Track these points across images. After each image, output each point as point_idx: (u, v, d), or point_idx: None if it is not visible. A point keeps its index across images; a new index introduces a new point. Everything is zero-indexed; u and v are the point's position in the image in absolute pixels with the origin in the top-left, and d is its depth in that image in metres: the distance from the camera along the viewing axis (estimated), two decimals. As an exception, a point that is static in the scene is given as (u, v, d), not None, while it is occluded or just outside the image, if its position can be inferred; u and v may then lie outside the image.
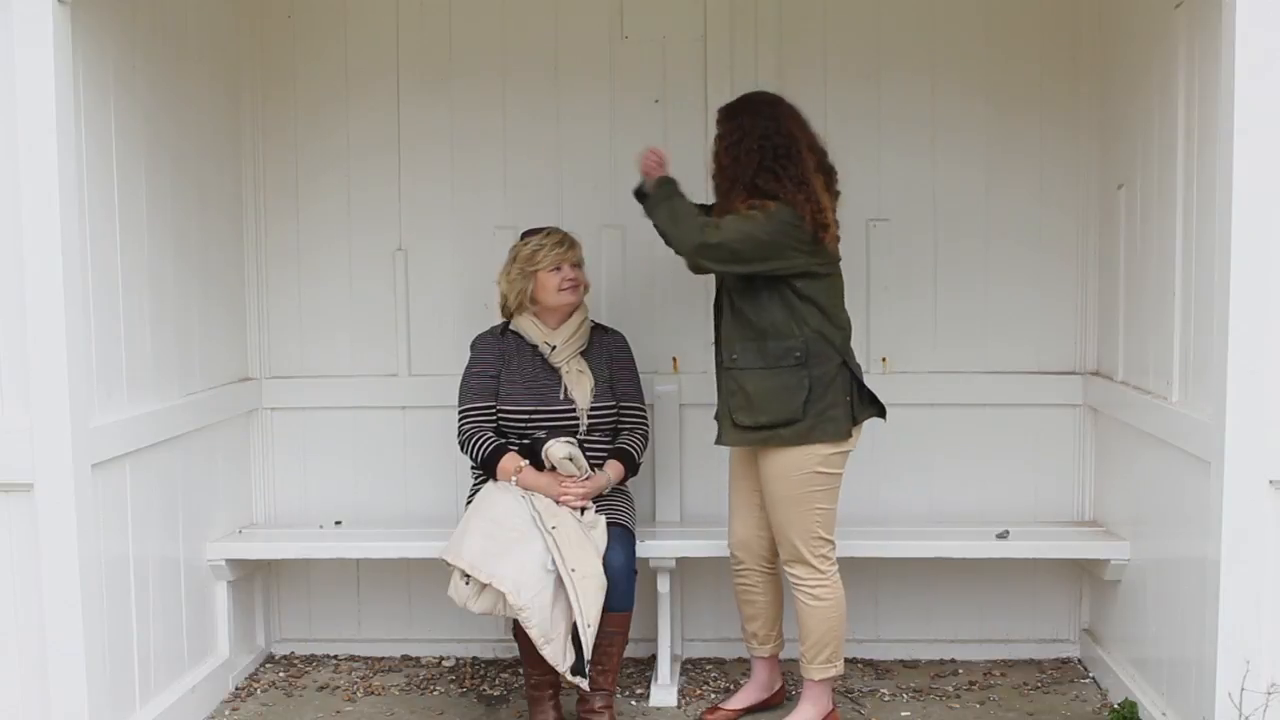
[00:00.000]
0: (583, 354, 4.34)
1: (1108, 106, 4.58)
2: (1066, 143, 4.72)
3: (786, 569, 4.07)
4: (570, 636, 3.91)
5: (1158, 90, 4.03)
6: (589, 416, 4.26)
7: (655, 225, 3.98)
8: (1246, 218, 3.37)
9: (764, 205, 3.83)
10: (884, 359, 4.80)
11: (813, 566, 4.00)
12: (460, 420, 4.29)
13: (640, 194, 4.08)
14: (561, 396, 4.25)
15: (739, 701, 4.32)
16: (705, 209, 4.04)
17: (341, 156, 4.86)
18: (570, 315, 4.33)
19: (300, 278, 4.91)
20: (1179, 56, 3.82)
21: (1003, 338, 4.79)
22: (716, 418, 4.06)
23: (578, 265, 4.32)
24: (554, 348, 4.28)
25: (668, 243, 3.96)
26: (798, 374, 3.87)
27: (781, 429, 3.88)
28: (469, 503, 4.27)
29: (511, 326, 4.36)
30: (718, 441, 4.06)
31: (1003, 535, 4.55)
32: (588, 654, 3.91)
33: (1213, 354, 3.52)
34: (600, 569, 3.96)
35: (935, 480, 4.84)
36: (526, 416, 4.24)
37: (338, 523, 4.88)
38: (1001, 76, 4.72)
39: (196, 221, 4.42)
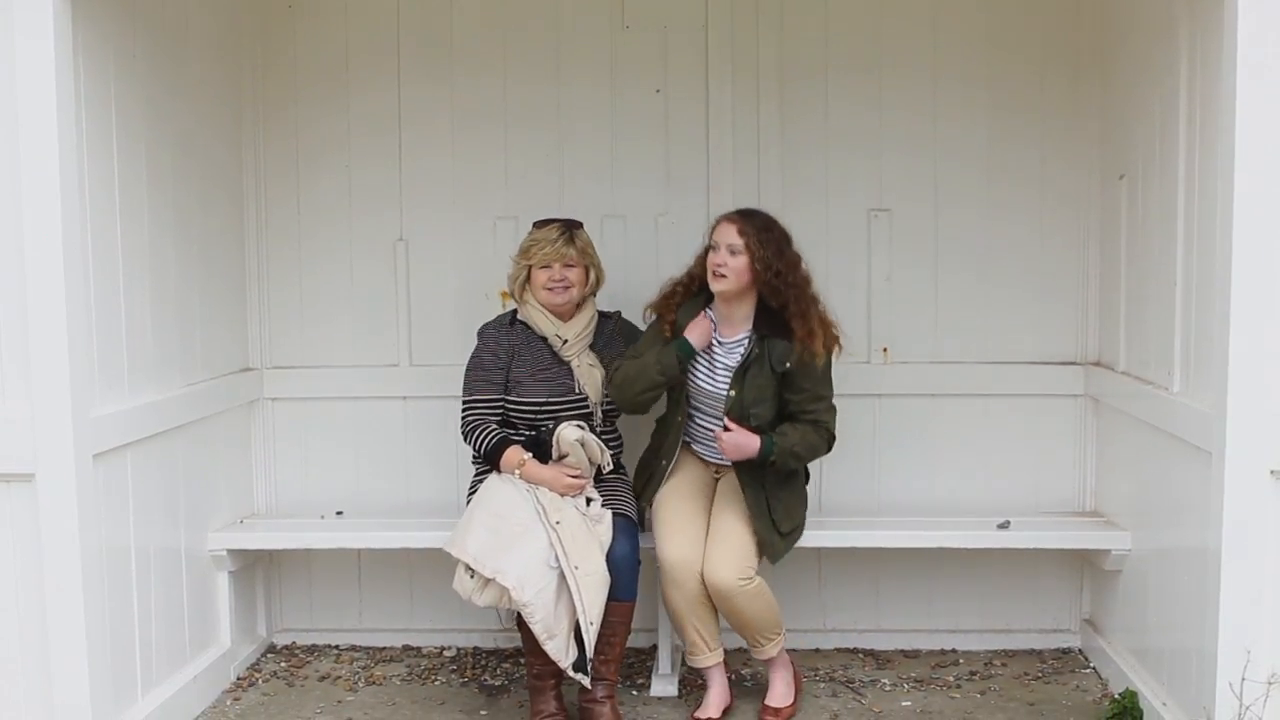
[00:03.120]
0: (590, 346, 4.31)
1: (1109, 97, 4.57)
2: (1067, 133, 4.71)
3: (738, 576, 4.01)
4: (573, 633, 3.91)
5: (1159, 80, 4.02)
6: (602, 408, 4.26)
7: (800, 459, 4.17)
8: (1248, 207, 3.37)
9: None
10: (884, 349, 4.80)
11: (754, 564, 4.09)
12: (464, 411, 4.27)
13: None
14: (576, 390, 4.24)
15: (715, 709, 4.24)
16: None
17: (342, 143, 4.85)
18: (579, 310, 4.31)
19: (301, 267, 4.89)
20: (1180, 47, 3.82)
21: (1004, 328, 4.79)
22: (760, 543, 4.10)
23: (571, 265, 4.23)
24: (565, 341, 4.25)
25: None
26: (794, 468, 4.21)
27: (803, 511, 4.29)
28: (470, 494, 4.27)
29: (520, 317, 4.33)
30: (775, 560, 4.14)
31: (1003, 525, 4.55)
32: (590, 651, 3.91)
33: (1214, 344, 3.52)
34: (603, 566, 3.95)
35: (936, 471, 4.83)
36: (538, 407, 4.22)
37: (339, 513, 4.88)
38: (1003, 67, 4.71)
39: (198, 208, 4.42)
